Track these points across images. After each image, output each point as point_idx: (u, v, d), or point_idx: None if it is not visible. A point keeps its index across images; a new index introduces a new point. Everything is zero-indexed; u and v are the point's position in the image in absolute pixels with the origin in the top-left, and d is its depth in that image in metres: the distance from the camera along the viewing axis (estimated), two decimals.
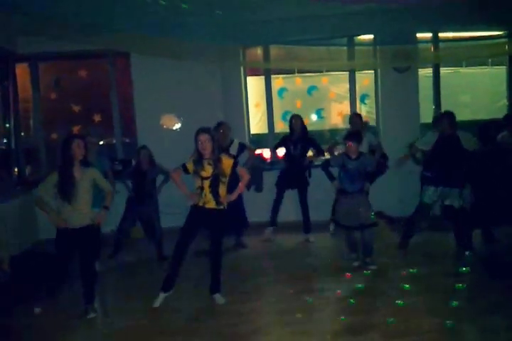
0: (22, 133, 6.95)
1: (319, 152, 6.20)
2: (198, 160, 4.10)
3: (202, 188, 4.11)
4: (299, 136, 6.08)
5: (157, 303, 4.16)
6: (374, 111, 7.35)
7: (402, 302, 4.00)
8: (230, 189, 4.27)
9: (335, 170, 5.18)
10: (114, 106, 7.12)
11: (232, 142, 5.90)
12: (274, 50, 7.03)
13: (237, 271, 5.10)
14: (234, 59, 6.80)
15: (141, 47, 6.33)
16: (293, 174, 6.11)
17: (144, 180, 5.62)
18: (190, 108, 6.87)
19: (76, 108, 7.30)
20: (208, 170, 4.08)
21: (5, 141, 6.61)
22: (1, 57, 6.33)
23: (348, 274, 4.74)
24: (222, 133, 5.77)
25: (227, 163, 4.12)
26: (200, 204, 4.14)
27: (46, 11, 5.01)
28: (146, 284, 4.88)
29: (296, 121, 6.11)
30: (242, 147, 5.95)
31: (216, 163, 4.06)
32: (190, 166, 4.13)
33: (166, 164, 6.54)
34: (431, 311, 3.91)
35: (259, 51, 7.17)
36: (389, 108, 7.08)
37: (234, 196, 4.27)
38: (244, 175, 4.29)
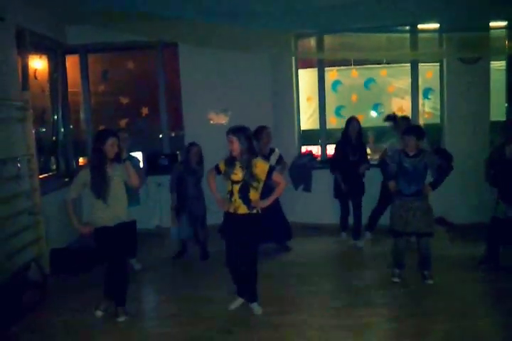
0: (71, 126, 6.92)
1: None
2: (230, 161, 3.80)
3: (232, 193, 3.78)
4: (356, 141, 5.59)
5: (232, 306, 3.97)
6: (438, 107, 6.70)
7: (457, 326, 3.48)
8: (263, 195, 3.87)
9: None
10: (162, 99, 6.95)
11: (272, 151, 5.50)
12: (328, 40, 6.55)
13: (278, 278, 4.73)
14: (286, 49, 6.38)
15: (190, 36, 6.06)
16: (350, 182, 5.62)
17: (193, 178, 5.36)
18: (239, 102, 6.59)
19: (124, 100, 7.21)
20: (238, 174, 3.74)
21: (53, 132, 6.59)
22: (50, 49, 6.28)
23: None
24: (264, 139, 5.39)
25: (261, 167, 3.74)
26: (231, 210, 3.81)
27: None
28: (183, 285, 4.64)
29: (353, 124, 5.56)
30: (280, 159, 5.55)
31: (248, 166, 3.70)
32: (222, 166, 3.85)
33: (213, 160, 6.34)
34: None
35: (312, 42, 6.72)
36: (455, 104, 6.40)
37: (268, 202, 3.84)
38: (281, 182, 3.86)
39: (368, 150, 6.53)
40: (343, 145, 5.62)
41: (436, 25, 6.30)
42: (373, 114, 7.01)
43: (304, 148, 6.90)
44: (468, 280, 4.50)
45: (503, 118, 6.56)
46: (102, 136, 3.83)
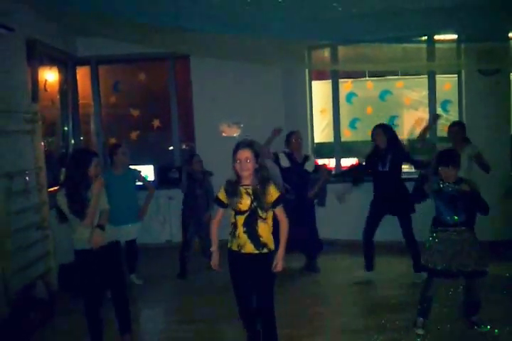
0: (81, 138, 6.84)
1: (416, 164, 5.13)
2: (233, 187, 3.07)
3: (235, 226, 3.07)
4: (385, 150, 4.90)
5: None
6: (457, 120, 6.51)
7: None
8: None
9: None
10: (173, 111, 6.88)
11: (307, 158, 5.30)
12: (343, 51, 6.42)
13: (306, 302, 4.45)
14: (299, 61, 6.27)
15: (202, 48, 5.98)
16: (388, 197, 4.90)
17: (200, 189, 5.24)
18: (251, 114, 6.50)
19: (135, 112, 7.12)
20: (245, 202, 3.02)
21: (64, 144, 6.51)
22: (60, 60, 6.23)
23: None
24: (295, 145, 5.22)
25: (273, 194, 3.03)
26: (234, 248, 3.09)
27: (103, 8, 4.78)
28: (189, 306, 4.46)
29: (377, 133, 4.93)
30: (318, 167, 5.37)
31: (258, 192, 3.00)
32: (222, 197, 3.12)
33: (223, 174, 6.22)
34: None
35: (326, 53, 6.60)
36: (475, 117, 6.18)
37: (282, 253, 3.07)
38: (283, 220, 3.11)
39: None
40: (370, 156, 5.04)
41: (454, 36, 6.13)
42: None
43: (318, 162, 6.74)
44: None
45: None
46: (85, 158, 3.39)
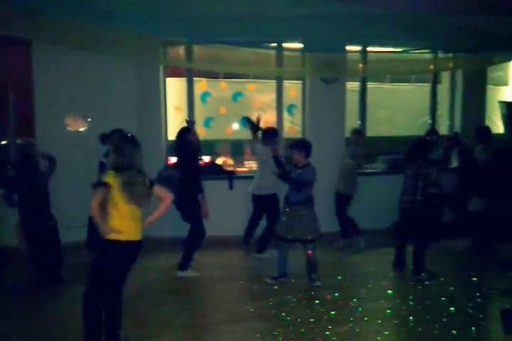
0: None
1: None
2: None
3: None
4: None
5: None
6: (300, 122, 7.03)
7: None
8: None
9: None
10: (11, 102, 6.15)
11: None
12: (198, 50, 6.46)
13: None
14: (153, 56, 6.12)
15: (47, 34, 5.43)
16: None
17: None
18: (100, 107, 6.16)
19: None
20: None
21: None
22: None
23: None
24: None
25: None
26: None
27: None
28: None
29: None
30: None
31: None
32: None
33: (73, 171, 5.80)
34: None
35: (181, 50, 6.57)
36: (315, 120, 6.79)
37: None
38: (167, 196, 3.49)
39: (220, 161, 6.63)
40: None
41: (300, 45, 6.59)
42: (235, 126, 7.06)
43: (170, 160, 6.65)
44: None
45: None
46: None
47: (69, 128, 6.18)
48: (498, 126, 7.52)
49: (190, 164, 5.14)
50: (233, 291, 4.79)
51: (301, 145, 4.85)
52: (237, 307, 4.32)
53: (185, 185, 4.95)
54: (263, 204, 5.75)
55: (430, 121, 7.51)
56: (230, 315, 4.16)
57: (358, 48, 6.91)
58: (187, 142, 5.09)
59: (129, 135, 3.40)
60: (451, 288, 4.73)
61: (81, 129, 6.18)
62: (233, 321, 4.04)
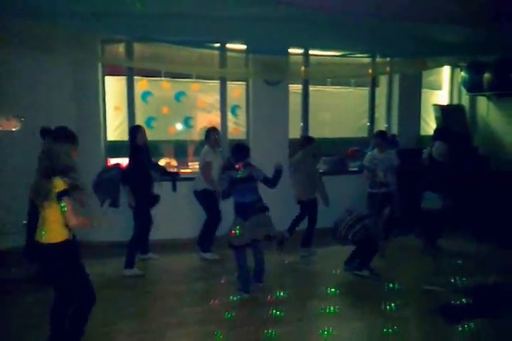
0: None
1: None
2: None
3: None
4: None
5: None
6: (244, 123, 7.02)
7: None
8: None
9: None
10: None
11: None
12: (139, 49, 6.28)
13: None
14: (91, 53, 5.88)
15: None
16: None
17: None
18: (34, 106, 5.84)
19: None
20: None
21: None
22: None
23: None
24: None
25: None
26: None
27: None
28: None
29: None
30: None
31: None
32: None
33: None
34: None
35: (121, 48, 6.36)
36: (259, 121, 6.82)
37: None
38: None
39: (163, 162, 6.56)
40: None
41: (244, 46, 6.57)
42: (179, 127, 6.94)
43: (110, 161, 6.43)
44: None
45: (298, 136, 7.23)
46: None
47: (0, 128, 5.84)
48: (432, 128, 7.86)
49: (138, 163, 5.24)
50: (181, 294, 4.69)
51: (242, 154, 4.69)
52: (185, 311, 4.25)
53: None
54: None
55: (369, 124, 7.75)
56: (177, 319, 4.07)
57: (301, 51, 6.99)
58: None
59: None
60: (395, 284, 4.87)
61: (14, 129, 5.86)
62: (180, 325, 3.96)
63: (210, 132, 5.78)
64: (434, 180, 6.10)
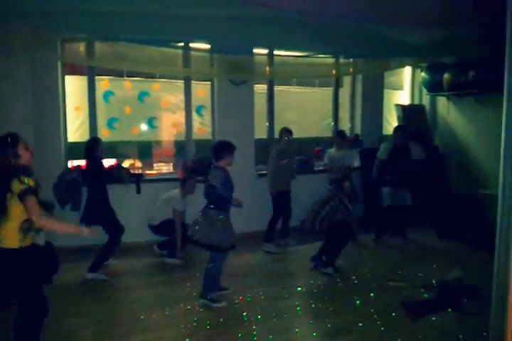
0: None
1: None
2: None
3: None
4: None
5: None
6: (209, 123, 6.96)
7: None
8: None
9: None
10: None
11: None
12: (100, 48, 6.13)
13: None
14: (50, 52, 5.69)
15: None
16: None
17: None
18: None
19: None
20: None
21: None
22: None
23: None
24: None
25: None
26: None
27: None
28: None
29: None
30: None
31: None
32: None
33: None
34: None
35: (81, 47, 6.19)
36: (224, 121, 6.77)
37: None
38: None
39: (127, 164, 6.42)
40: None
41: (208, 46, 6.51)
42: (144, 127, 6.81)
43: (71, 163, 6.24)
44: None
45: (265, 136, 7.23)
46: None
47: None
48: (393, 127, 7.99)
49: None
50: (147, 298, 4.59)
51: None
52: (151, 316, 4.15)
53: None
54: None
55: (333, 123, 7.83)
56: (143, 324, 3.99)
57: (265, 51, 6.99)
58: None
59: None
60: (358, 281, 4.95)
61: None
62: (147, 330, 3.88)
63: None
64: (393, 178, 6.23)
